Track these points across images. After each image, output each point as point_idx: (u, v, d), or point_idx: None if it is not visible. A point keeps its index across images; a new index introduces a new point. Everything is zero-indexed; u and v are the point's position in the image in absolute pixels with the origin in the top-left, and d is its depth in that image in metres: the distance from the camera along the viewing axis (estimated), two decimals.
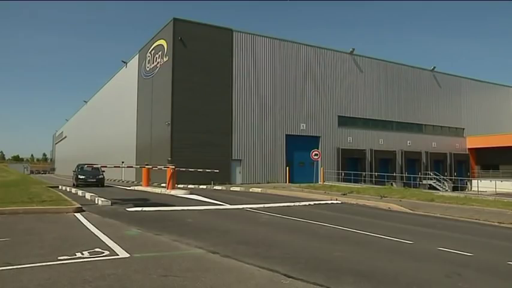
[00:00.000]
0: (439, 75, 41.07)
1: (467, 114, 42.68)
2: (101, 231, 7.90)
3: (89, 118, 57.66)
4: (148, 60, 33.01)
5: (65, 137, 79.47)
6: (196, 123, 27.38)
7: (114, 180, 35.43)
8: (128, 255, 5.97)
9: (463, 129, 42.58)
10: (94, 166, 23.12)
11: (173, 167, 19.83)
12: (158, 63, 30.65)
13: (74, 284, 4.49)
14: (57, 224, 9.07)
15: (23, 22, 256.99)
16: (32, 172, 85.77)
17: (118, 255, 5.98)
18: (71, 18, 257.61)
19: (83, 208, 11.25)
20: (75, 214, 10.43)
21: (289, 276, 4.98)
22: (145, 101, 33.59)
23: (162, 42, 29.95)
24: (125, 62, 40.55)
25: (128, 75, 39.23)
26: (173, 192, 18.43)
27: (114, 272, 5.00)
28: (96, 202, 13.34)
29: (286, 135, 31.14)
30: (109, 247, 6.47)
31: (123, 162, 36.77)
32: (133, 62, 37.65)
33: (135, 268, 5.22)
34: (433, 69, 40.57)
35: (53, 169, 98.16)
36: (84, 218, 9.85)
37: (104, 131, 47.17)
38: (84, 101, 62.03)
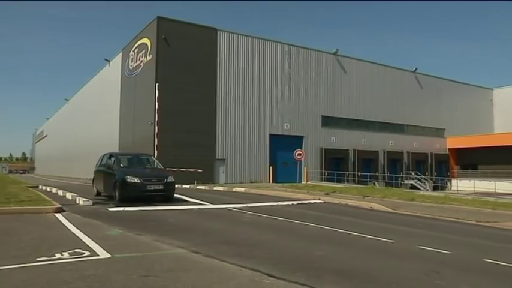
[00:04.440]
0: (420, 76, 41.71)
1: (448, 115, 43.44)
2: (82, 232, 7.79)
3: (71, 117, 56.82)
4: (132, 58, 32.69)
5: (46, 135, 78.14)
6: (179, 122, 27.22)
7: None
8: (109, 255, 5.90)
9: (444, 129, 43.32)
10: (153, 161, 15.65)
11: None
12: (142, 61, 30.38)
13: (52, 285, 4.43)
14: (36, 224, 8.91)
15: (2, 20, 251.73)
16: (10, 172, 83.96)
17: (99, 255, 5.91)
18: (52, 16, 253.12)
19: (64, 208, 11.07)
20: (55, 214, 10.26)
21: (271, 276, 4.99)
22: (128, 99, 33.26)
23: (146, 40, 29.70)
24: (107, 61, 40.08)
25: (111, 73, 38.79)
26: None
27: (94, 272, 4.94)
28: (77, 202, 13.15)
29: (270, 134, 31.21)
30: (89, 247, 6.39)
31: None
32: (117, 61, 37.24)
33: (115, 269, 5.17)
34: (415, 70, 41.19)
35: (33, 168, 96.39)
36: (65, 218, 9.69)
37: (86, 129, 46.54)
38: (66, 99, 61.10)
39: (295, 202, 15.16)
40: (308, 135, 33.06)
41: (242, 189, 21.33)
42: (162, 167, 15.42)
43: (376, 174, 35.71)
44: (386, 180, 35.07)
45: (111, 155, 15.29)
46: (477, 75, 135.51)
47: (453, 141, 43.03)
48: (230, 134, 29.41)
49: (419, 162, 40.51)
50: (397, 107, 39.13)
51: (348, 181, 32.53)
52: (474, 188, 34.17)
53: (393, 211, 13.24)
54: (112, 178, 13.73)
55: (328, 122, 34.50)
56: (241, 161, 29.79)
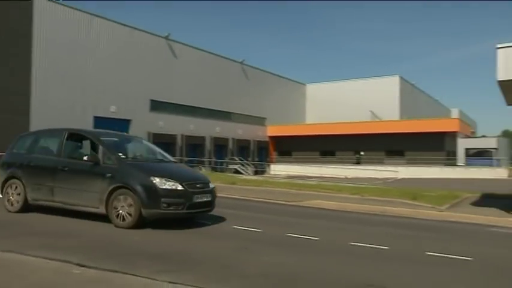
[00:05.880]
0: (247, 67, 44.46)
1: (269, 104, 47.42)
2: None
3: None
4: None
5: None
6: None
7: None
8: None
9: (265, 118, 47.22)
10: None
11: None
12: None
13: None
14: None
15: None
16: None
17: None
18: None
19: None
20: None
21: (82, 266, 4.74)
22: None
23: None
24: None
25: None
26: None
27: None
28: None
29: (95, 117, 29.21)
30: None
31: None
32: None
33: None
34: (242, 61, 43.66)
35: None
36: None
37: None
38: None
39: None
40: (136, 119, 32.06)
41: None
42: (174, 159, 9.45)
43: (203, 159, 36.90)
44: (213, 165, 36.59)
45: (73, 134, 8.72)
46: (293, 71, 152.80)
47: (272, 130, 47.31)
48: (48, 115, 26.34)
49: (243, 148, 43.41)
50: (225, 95, 40.95)
51: None
52: (289, 172, 38.29)
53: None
54: (98, 180, 7.63)
55: (157, 106, 34.06)
56: None
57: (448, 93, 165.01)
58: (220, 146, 40.24)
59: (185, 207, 7.39)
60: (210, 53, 39.87)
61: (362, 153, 43.24)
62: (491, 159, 41.85)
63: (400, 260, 5.95)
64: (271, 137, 47.72)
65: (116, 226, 7.25)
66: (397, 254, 6.27)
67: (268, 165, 45.30)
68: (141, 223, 7.22)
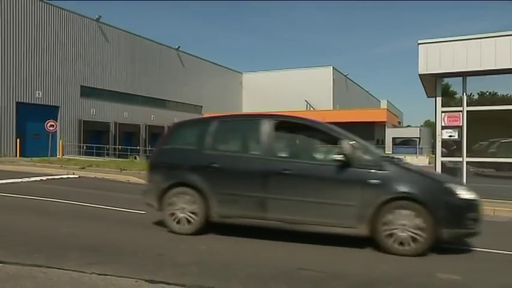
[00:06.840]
0: (183, 54, 43.58)
1: (206, 93, 47.00)
2: None
3: None
4: None
5: None
6: None
7: None
8: None
9: (201, 106, 46.77)
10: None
11: None
12: None
13: None
14: None
15: None
16: None
17: None
18: None
19: None
20: None
21: (2, 262, 4.44)
22: None
23: None
24: None
25: None
26: None
27: None
28: None
29: (18, 102, 27.23)
30: None
31: None
32: None
33: None
34: (177, 48, 42.73)
35: None
36: None
37: None
38: None
39: (44, 178, 13.84)
40: (65, 105, 30.33)
41: None
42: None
43: (138, 147, 35.87)
44: (148, 154, 35.67)
45: (287, 122, 6.56)
46: (230, 60, 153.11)
47: None
48: None
49: None
50: (160, 82, 39.94)
51: (108, 155, 31.58)
52: None
53: None
54: (353, 189, 5.70)
55: (88, 92, 32.41)
56: None
57: (378, 85, 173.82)
58: (155, 134, 39.16)
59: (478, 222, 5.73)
60: (144, 38, 38.60)
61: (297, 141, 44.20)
62: (415, 147, 44.74)
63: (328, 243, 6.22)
64: None
65: (392, 253, 5.44)
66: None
67: None
68: (426, 248, 5.46)
